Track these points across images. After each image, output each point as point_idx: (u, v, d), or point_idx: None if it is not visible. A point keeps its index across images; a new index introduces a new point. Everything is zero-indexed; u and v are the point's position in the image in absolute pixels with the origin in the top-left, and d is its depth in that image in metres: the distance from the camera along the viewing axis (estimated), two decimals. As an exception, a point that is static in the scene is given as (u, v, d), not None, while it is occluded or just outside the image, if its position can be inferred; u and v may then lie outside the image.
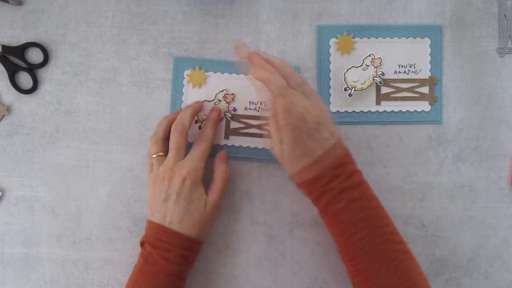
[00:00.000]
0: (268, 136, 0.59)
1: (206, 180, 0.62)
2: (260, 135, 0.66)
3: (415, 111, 0.66)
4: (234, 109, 0.66)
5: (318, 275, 0.65)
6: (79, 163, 0.67)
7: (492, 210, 0.66)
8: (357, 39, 0.67)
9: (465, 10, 0.67)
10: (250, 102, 0.66)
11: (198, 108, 0.64)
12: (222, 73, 0.67)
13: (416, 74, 0.67)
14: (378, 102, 0.66)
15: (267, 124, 0.59)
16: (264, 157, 0.66)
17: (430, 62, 0.67)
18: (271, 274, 0.65)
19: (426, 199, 0.66)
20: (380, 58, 0.66)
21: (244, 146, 0.66)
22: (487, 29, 0.67)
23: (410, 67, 0.67)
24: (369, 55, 0.66)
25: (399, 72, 0.67)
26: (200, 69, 0.67)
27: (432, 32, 0.67)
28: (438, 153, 0.66)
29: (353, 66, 0.66)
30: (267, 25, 0.67)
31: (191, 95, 0.67)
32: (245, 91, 0.66)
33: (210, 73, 0.67)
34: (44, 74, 0.68)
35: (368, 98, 0.66)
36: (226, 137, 0.66)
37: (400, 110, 0.66)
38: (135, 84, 0.67)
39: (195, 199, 0.60)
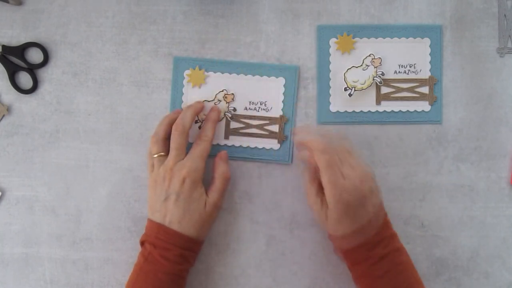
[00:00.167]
0: (305, 192, 0.61)
1: (206, 180, 0.62)
2: (260, 135, 0.66)
3: (415, 111, 0.66)
4: (234, 109, 0.66)
5: (318, 275, 0.65)
6: (79, 163, 0.67)
7: (492, 210, 0.66)
8: (357, 39, 0.67)
9: (465, 10, 0.67)
10: (250, 102, 0.66)
11: (199, 108, 0.64)
12: (222, 73, 0.67)
13: (416, 74, 0.67)
14: (378, 102, 0.66)
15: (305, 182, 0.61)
16: (264, 157, 0.66)
17: (430, 62, 0.67)
18: (271, 274, 0.65)
19: (426, 199, 0.66)
20: (380, 58, 0.66)
21: (244, 146, 0.66)
22: (487, 29, 0.67)
23: (410, 67, 0.67)
24: (369, 55, 0.66)
25: (399, 72, 0.67)
26: (200, 69, 0.67)
27: (432, 32, 0.67)
28: (438, 153, 0.66)
29: (353, 66, 0.66)
30: (267, 25, 0.67)
31: (191, 95, 0.67)
32: (245, 91, 0.66)
33: (210, 73, 0.67)
34: (44, 74, 0.68)
35: (368, 98, 0.66)
36: (226, 137, 0.66)
37: (400, 110, 0.66)
38: (135, 84, 0.67)
39: (195, 199, 0.60)
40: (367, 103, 0.66)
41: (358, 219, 0.56)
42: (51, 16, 0.68)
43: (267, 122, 0.66)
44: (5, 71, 0.67)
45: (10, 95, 0.67)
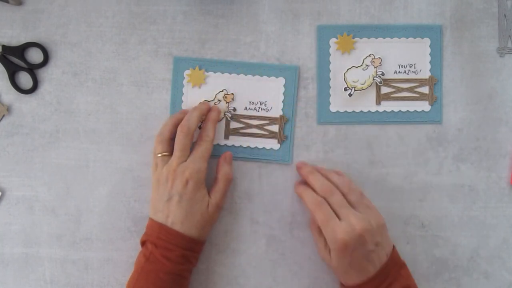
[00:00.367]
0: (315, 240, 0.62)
1: (208, 180, 0.62)
2: (260, 135, 0.66)
3: (415, 111, 0.66)
4: (234, 109, 0.66)
5: (318, 275, 0.65)
6: (79, 163, 0.67)
7: (492, 210, 0.66)
8: (357, 39, 0.67)
9: (465, 10, 0.67)
10: (250, 102, 0.66)
11: (205, 110, 0.64)
12: (222, 73, 0.67)
13: (416, 74, 0.67)
14: (378, 102, 0.66)
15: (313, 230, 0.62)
16: (264, 157, 0.66)
17: (430, 62, 0.67)
18: (271, 274, 0.65)
19: (426, 199, 0.66)
20: (380, 58, 0.66)
21: (244, 146, 0.66)
22: (487, 29, 0.67)
23: (410, 67, 0.67)
24: (369, 55, 0.66)
25: (399, 72, 0.67)
26: (200, 69, 0.67)
27: (432, 32, 0.67)
28: (438, 153, 0.66)
29: (353, 66, 0.66)
30: (267, 25, 0.67)
31: (191, 95, 0.67)
32: (245, 91, 0.66)
33: (210, 73, 0.67)
34: (44, 74, 0.68)
35: (368, 98, 0.66)
36: (226, 137, 0.66)
37: (400, 110, 0.66)
38: (135, 84, 0.67)
39: (197, 201, 0.60)
40: (367, 103, 0.66)
41: (364, 272, 0.56)
42: (51, 16, 0.68)
43: (267, 122, 0.66)
44: (5, 71, 0.67)
45: (10, 95, 0.67)
